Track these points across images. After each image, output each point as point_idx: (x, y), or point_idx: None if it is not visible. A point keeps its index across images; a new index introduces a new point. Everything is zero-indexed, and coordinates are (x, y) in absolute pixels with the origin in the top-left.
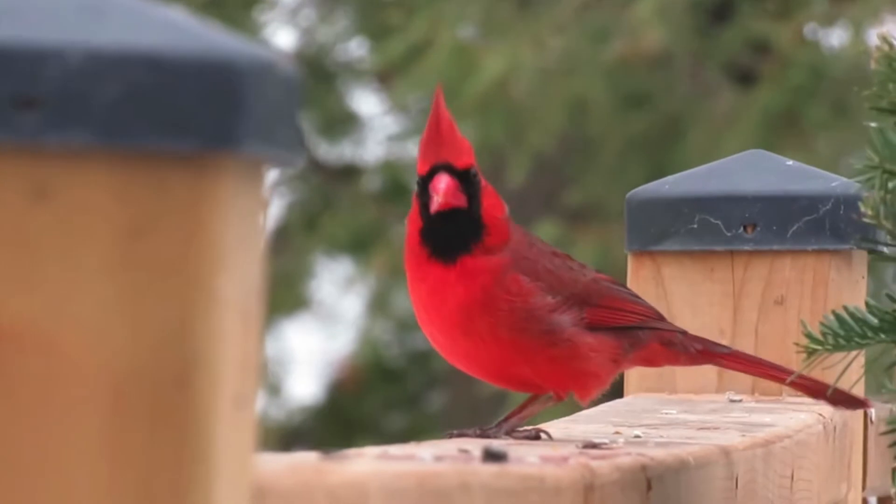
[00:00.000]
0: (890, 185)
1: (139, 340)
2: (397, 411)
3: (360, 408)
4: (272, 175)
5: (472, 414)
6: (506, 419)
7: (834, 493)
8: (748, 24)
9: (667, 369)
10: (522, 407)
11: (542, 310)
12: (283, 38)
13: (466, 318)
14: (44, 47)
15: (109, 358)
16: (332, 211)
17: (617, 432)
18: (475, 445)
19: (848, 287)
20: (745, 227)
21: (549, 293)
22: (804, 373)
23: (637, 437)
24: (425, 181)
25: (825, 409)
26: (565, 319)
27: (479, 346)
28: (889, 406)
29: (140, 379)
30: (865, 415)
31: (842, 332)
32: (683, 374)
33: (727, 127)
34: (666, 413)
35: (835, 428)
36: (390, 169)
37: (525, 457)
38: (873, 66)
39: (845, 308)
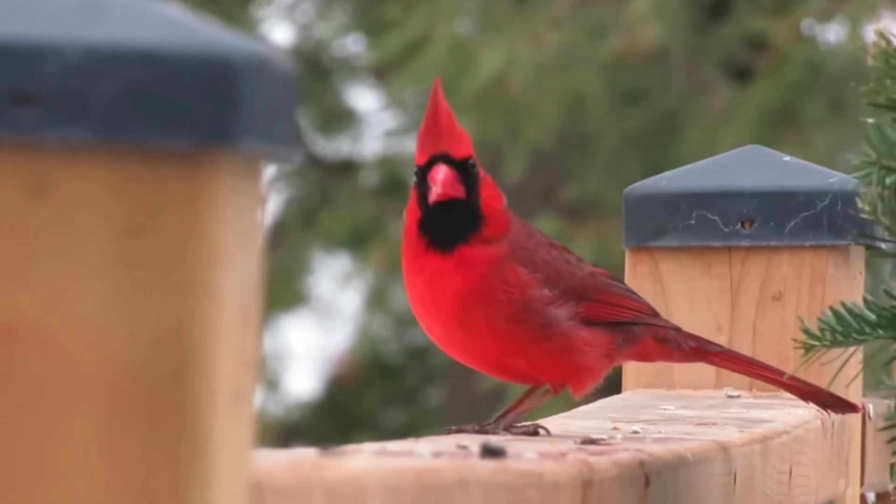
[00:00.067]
0: (887, 180)
1: (137, 336)
2: (395, 407)
3: (358, 403)
4: (270, 171)
5: (470, 410)
6: (503, 415)
7: (832, 489)
8: (745, 20)
9: (664, 365)
10: (519, 402)
11: (538, 302)
12: (280, 33)
13: (463, 308)
14: (42, 44)
15: (107, 354)
16: (330, 206)
17: (615, 428)
18: (473, 441)
19: (845, 283)
20: (742, 223)
21: (546, 285)
22: (801, 370)
23: (635, 432)
24: (423, 171)
25: None
26: (561, 313)
27: (476, 336)
28: (887, 402)
29: (138, 375)
30: (864, 411)
31: (839, 328)
32: (681, 369)
33: (724, 123)
34: (664, 409)
35: (833, 424)
36: (388, 164)
37: (523, 453)
38: (870, 62)
39: (843, 304)
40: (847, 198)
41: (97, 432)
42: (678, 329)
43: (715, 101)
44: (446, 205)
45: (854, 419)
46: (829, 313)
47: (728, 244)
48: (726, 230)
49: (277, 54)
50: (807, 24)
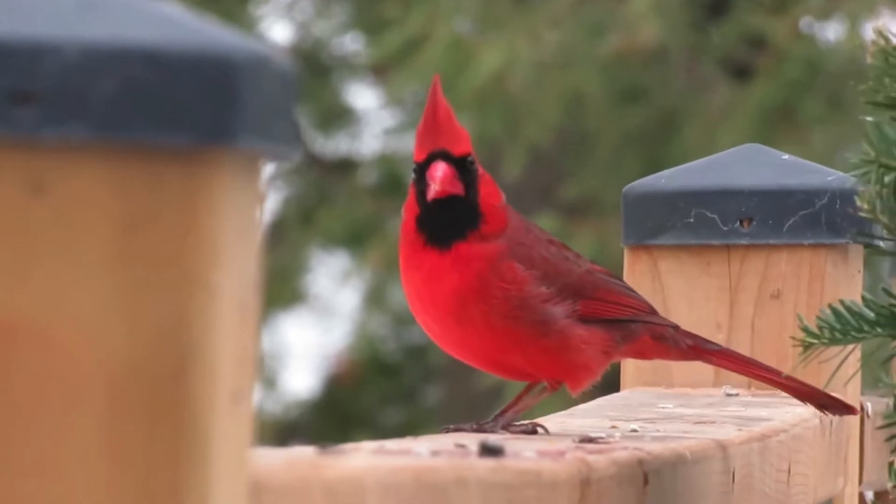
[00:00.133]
0: (886, 179)
1: (136, 335)
2: (393, 405)
3: (357, 402)
4: (268, 169)
5: (468, 408)
6: (502, 413)
7: (830, 488)
8: (744, 18)
9: (663, 363)
10: (517, 400)
11: (535, 299)
12: (279, 32)
13: (461, 304)
14: (41, 42)
15: (106, 352)
16: (329, 205)
17: (613, 426)
18: (472, 440)
19: (844, 281)
20: (741, 222)
21: (543, 282)
22: (800, 368)
23: (634, 431)
24: (422, 168)
25: None
26: (558, 311)
27: (473, 333)
28: (885, 400)
29: (137, 373)
30: (862, 409)
31: (838, 326)
32: (680, 368)
33: (723, 121)
34: (662, 407)
35: (831, 422)
36: (386, 163)
37: (522, 451)
38: (869, 60)
39: (842, 302)
40: (846, 196)
41: (96, 431)
42: (676, 327)
43: (714, 100)
44: (445, 202)
45: (853, 418)
46: (828, 311)
47: (727, 242)
48: (725, 228)
49: (276, 53)
50: (806, 23)
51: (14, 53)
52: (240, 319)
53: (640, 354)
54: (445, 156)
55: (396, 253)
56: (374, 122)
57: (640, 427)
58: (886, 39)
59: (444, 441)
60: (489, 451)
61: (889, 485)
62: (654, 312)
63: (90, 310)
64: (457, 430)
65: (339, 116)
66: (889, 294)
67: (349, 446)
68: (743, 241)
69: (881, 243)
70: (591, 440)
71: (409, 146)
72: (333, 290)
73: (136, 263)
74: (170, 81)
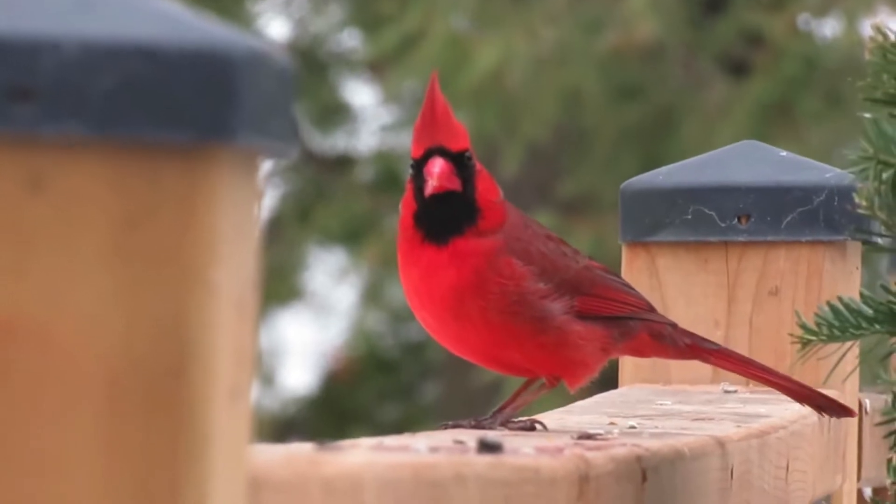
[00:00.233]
0: (884, 175)
1: (134, 331)
2: (391, 402)
3: (354, 398)
4: (266, 166)
5: (466, 405)
6: (500, 409)
7: (829, 484)
8: (741, 15)
9: (661, 360)
10: (515, 396)
11: (533, 295)
12: (276, 29)
13: (458, 300)
14: (39, 39)
15: (105, 348)
16: (326, 202)
17: (612, 423)
18: (470, 436)
19: (842, 278)
20: (739, 218)
21: (541, 278)
22: (798, 364)
23: (632, 427)
24: (419, 164)
25: None
26: (556, 307)
27: (470, 329)
28: (884, 397)
29: (135, 369)
30: (860, 406)
31: (836, 323)
32: (678, 365)
33: (720, 118)
34: (661, 404)
35: (829, 419)
36: (383, 159)
37: (520, 448)
38: (868, 56)
39: (840, 299)
40: (844, 193)
41: (95, 427)
42: (674, 325)
43: (711, 97)
44: (442, 197)
45: None
46: (826, 308)
47: (725, 239)
48: (723, 225)
49: (274, 49)
50: (803, 19)
51: (13, 50)
52: (238, 316)
53: (638, 352)
54: (443, 152)
55: (393, 250)
56: (371, 119)
57: (638, 424)
58: (885, 36)
59: (443, 437)
60: (487, 447)
61: (888, 481)
62: (652, 310)
63: (89, 306)
64: (455, 426)
65: (336, 113)
66: (887, 291)
67: (347, 443)
68: (741, 238)
69: (879, 240)
70: (589, 437)
71: (406, 143)
72: (331, 287)
73: (135, 260)
74: (168, 78)
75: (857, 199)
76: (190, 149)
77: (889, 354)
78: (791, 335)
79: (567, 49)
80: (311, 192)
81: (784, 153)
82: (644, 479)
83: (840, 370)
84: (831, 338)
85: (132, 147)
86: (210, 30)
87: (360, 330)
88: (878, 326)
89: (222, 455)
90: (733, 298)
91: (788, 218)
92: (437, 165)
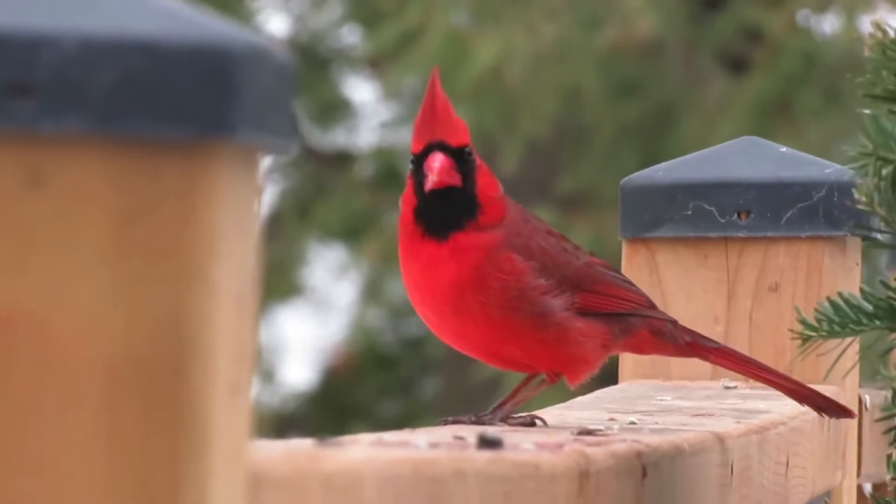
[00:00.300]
0: (884, 172)
1: (134, 327)
2: (391, 398)
3: (354, 394)
4: (266, 162)
5: (465, 400)
6: (500, 405)
7: (829, 480)
8: (740, 11)
9: (661, 356)
10: (515, 392)
11: (534, 290)
12: (275, 25)
13: (458, 295)
14: (39, 34)
15: (104, 345)
16: (326, 198)
17: (612, 419)
18: (470, 432)
19: (842, 274)
20: (739, 214)
21: (542, 274)
22: (798, 360)
23: (632, 423)
24: (419, 160)
25: None
26: (557, 303)
27: (470, 324)
28: (883, 393)
29: (135, 366)
30: (860, 402)
31: (836, 319)
32: (678, 360)
33: (720, 114)
34: (661, 400)
35: None
36: (383, 156)
37: (520, 444)
38: (867, 53)
39: (840, 295)
40: (843, 189)
41: (94, 423)
42: (674, 322)
43: (710, 93)
44: (442, 192)
45: None
46: (826, 304)
47: (724, 235)
48: (723, 221)
49: (274, 45)
50: (802, 15)
51: (12, 45)
52: (238, 312)
53: (638, 349)
54: (443, 147)
55: (394, 246)
56: (371, 115)
57: (638, 419)
58: (884, 32)
59: (443, 433)
60: (487, 443)
61: (887, 477)
62: (652, 306)
63: (88, 302)
64: (455, 422)
65: (336, 109)
66: (887, 286)
67: (347, 438)
68: (741, 234)
69: (879, 236)
70: (589, 432)
71: (406, 139)
72: (330, 283)
73: (135, 256)
74: (168, 74)
75: (856, 195)
76: (190, 145)
77: (889, 350)
78: (791, 331)
79: (566, 45)
80: (311, 189)
81: (784, 149)
82: (644, 474)
83: (840, 366)
84: (831, 334)
85: (132, 143)
86: (210, 26)
87: (359, 326)
88: (877, 322)
89: (222, 451)
90: (733, 294)
91: (788, 214)
92: (437, 160)
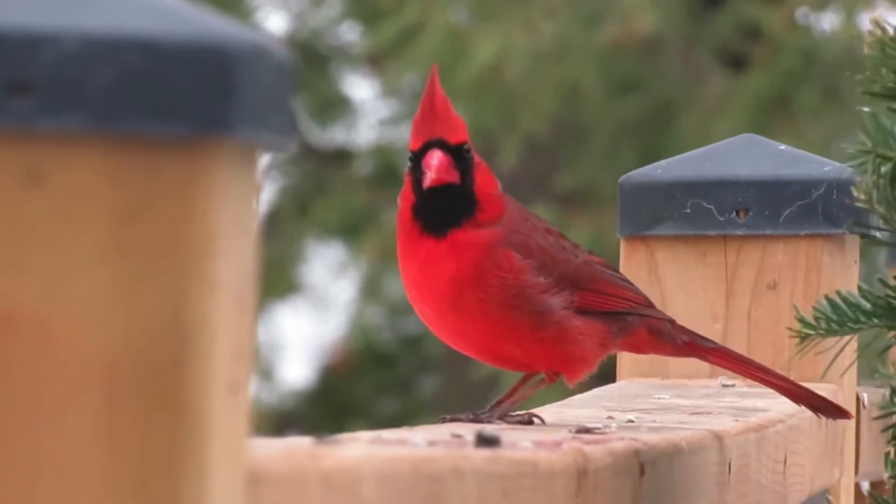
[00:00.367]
0: (882, 169)
1: (133, 325)
2: (389, 396)
3: (352, 392)
4: (265, 159)
5: (464, 398)
6: (498, 403)
7: (827, 478)
8: (740, 8)
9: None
10: (513, 390)
11: (533, 289)
12: (274, 22)
13: (457, 293)
14: (38, 32)
15: (103, 342)
16: (324, 195)
17: (610, 417)
18: (468, 430)
19: (841, 272)
20: (737, 212)
21: (540, 272)
22: (796, 359)
23: (630, 421)
24: (418, 157)
25: None
26: (555, 302)
27: (469, 322)
28: (881, 391)
29: (134, 363)
30: (858, 400)
31: (835, 317)
32: (676, 359)
33: (719, 112)
34: (659, 398)
35: None
36: (382, 153)
37: (518, 442)
38: (866, 50)
39: (838, 293)
40: (842, 186)
41: (94, 421)
42: (672, 322)
43: (710, 90)
44: (440, 190)
45: (849, 408)
46: (825, 302)
47: (723, 233)
48: (721, 219)
49: (273, 43)
50: (801, 13)
51: (12, 43)
52: (236, 310)
53: (636, 348)
54: (441, 144)
55: (392, 244)
56: (370, 113)
57: (636, 418)
58: (883, 30)
59: (441, 431)
60: (486, 441)
61: (885, 475)
62: (650, 305)
63: (87, 300)
64: (453, 420)
65: (334, 107)
66: (885, 285)
67: (346, 436)
68: (739, 232)
69: (878, 233)
70: (587, 430)
71: (404, 137)
72: (329, 281)
73: (134, 253)
74: (167, 71)
75: (855, 193)
76: (189, 142)
77: (887, 348)
78: (789, 329)
79: (566, 42)
80: (310, 186)
81: (783, 147)
82: (642, 472)
83: (838, 364)
84: (829, 332)
85: (131, 140)
86: (209, 23)
87: (358, 324)
88: (876, 320)
89: (221, 449)
90: (732, 292)
91: (787, 212)
92: (436, 158)
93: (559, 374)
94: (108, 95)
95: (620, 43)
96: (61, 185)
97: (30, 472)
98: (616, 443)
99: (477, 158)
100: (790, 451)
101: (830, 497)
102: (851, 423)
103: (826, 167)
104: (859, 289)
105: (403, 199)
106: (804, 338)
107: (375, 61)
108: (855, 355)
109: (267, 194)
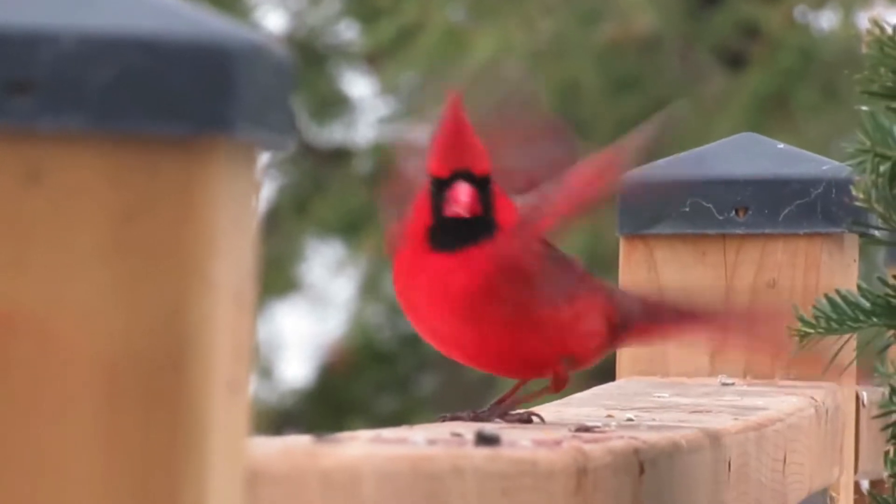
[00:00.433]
0: (881, 168)
1: (133, 324)
2: (388, 394)
3: (352, 390)
4: (264, 158)
5: (463, 397)
6: (498, 402)
7: (826, 477)
8: (738, 6)
9: (659, 352)
10: (514, 389)
11: (541, 299)
12: (273, 21)
13: (468, 305)
14: (37, 31)
15: (103, 342)
16: (323, 194)
17: (609, 416)
18: (468, 429)
19: (840, 270)
20: (736, 211)
21: (546, 282)
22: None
23: (629, 420)
24: (442, 184)
25: (817, 392)
26: (563, 311)
27: (480, 333)
28: (881, 390)
29: (134, 363)
30: (858, 398)
31: (834, 316)
32: (676, 357)
33: (717, 110)
34: (658, 396)
35: (827, 411)
36: (381, 152)
37: (518, 440)
38: (865, 49)
39: (837, 292)
40: (841, 185)
41: (93, 420)
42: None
43: (708, 89)
44: (463, 219)
45: (848, 407)
46: (824, 301)
47: (722, 232)
48: (720, 218)
49: (272, 42)
50: (800, 12)
51: (10, 42)
52: (236, 309)
53: (639, 340)
54: (468, 176)
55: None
56: (368, 111)
57: (635, 416)
58: (882, 29)
59: (441, 430)
60: (485, 440)
61: (885, 474)
62: (647, 308)
63: (86, 300)
64: (453, 418)
65: (333, 105)
66: (884, 283)
67: (345, 435)
68: (738, 231)
69: (877, 232)
70: (586, 429)
71: (403, 135)
72: (328, 279)
73: (133, 253)
74: (166, 70)
75: (854, 192)
76: (188, 141)
77: (886, 347)
78: (789, 328)
79: (564, 41)
80: (309, 185)
81: (782, 145)
82: (641, 471)
83: (837, 363)
84: (829, 330)
85: (130, 140)
86: (208, 22)
87: (357, 322)
88: (875, 319)
89: (221, 448)
90: (731, 291)
91: (786, 210)
92: (465, 194)
93: (566, 376)
94: (108, 95)
95: (619, 41)
96: (61, 184)
97: (30, 472)
98: (616, 441)
99: (497, 188)
100: (790, 450)
101: (834, 494)
102: (851, 421)
103: (825, 166)
104: (858, 287)
105: (416, 216)
106: (803, 336)
107: (374, 60)
108: (854, 354)
109: (266, 193)
